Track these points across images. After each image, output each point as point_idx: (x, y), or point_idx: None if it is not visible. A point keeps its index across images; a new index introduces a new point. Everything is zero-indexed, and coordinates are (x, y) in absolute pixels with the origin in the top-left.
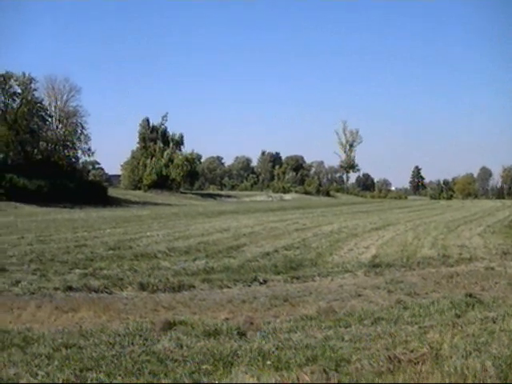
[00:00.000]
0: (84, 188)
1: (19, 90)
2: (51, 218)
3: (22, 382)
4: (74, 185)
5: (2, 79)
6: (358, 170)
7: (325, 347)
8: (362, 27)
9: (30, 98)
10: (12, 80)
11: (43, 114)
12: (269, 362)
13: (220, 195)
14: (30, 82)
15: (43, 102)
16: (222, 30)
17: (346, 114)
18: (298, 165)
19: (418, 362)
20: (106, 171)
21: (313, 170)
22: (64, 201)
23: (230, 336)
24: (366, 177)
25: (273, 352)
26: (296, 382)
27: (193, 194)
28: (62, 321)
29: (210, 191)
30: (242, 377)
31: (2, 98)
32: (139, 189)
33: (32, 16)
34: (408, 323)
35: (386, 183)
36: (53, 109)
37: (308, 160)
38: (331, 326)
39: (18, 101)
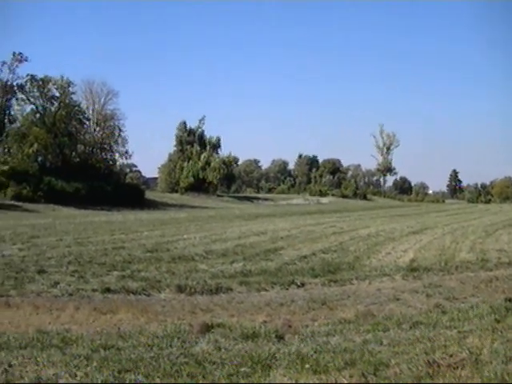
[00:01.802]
0: (121, 191)
1: (57, 94)
2: (89, 220)
3: (61, 382)
4: (111, 187)
5: (41, 83)
6: (395, 173)
7: (363, 351)
8: (398, 29)
9: (68, 101)
10: (50, 84)
11: (81, 117)
12: (307, 366)
13: (257, 198)
14: (68, 86)
15: (81, 106)
16: (260, 30)
17: (383, 116)
18: (334, 168)
19: (458, 367)
20: (143, 174)
21: (350, 173)
22: (101, 203)
23: (268, 339)
24: (403, 180)
25: (311, 355)
26: None
27: (229, 196)
28: (101, 322)
29: (247, 194)
30: (280, 380)
31: (41, 101)
32: (176, 192)
33: (70, 20)
34: (447, 328)
35: (424, 187)
36: (90, 112)
37: (345, 163)
38: (369, 330)
39: (56, 104)
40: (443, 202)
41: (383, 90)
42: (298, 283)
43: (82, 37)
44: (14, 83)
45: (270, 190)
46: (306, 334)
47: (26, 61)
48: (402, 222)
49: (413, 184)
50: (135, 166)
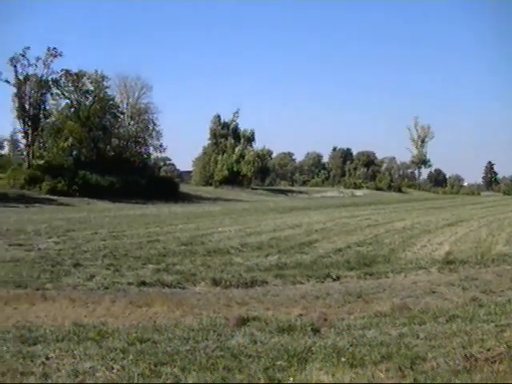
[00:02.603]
0: (155, 184)
1: (92, 88)
2: (123, 213)
3: (98, 374)
4: (145, 181)
5: (76, 77)
6: (430, 165)
7: (400, 344)
8: (432, 19)
9: (102, 95)
10: (85, 78)
11: (115, 111)
12: (343, 359)
13: (291, 191)
14: (103, 80)
15: (115, 100)
16: (294, 26)
17: (418, 109)
18: (369, 160)
19: (495, 361)
20: (178, 167)
21: (384, 165)
22: (136, 197)
23: (304, 332)
24: (438, 172)
25: (347, 349)
26: (371, 379)
27: (263, 189)
28: (136, 315)
29: (281, 187)
30: (316, 373)
31: (76, 95)
32: (210, 185)
33: (103, 15)
34: (484, 321)
35: (459, 179)
36: (125, 106)
37: (379, 156)
38: (405, 323)
39: (90, 98)
40: (478, 194)
41: (418, 81)
42: (334, 276)
43: (116, 31)
44: (49, 78)
45: (304, 183)
46: (342, 327)
47: (61, 56)
48: (437, 214)
49: (448, 176)
50: (169, 160)
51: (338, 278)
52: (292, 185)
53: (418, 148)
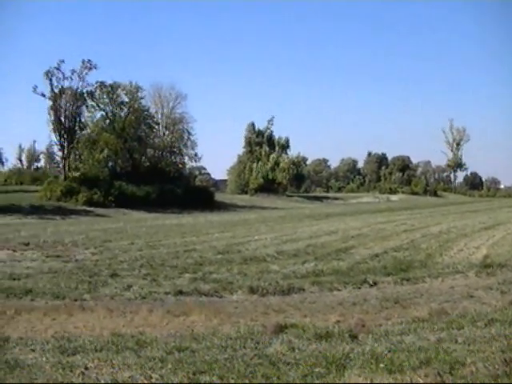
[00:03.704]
0: (191, 193)
1: (126, 99)
2: (160, 223)
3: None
4: (181, 190)
5: (110, 89)
6: (466, 168)
7: (438, 350)
8: (465, 25)
9: (137, 106)
10: (119, 89)
11: (150, 121)
12: (382, 365)
13: (326, 197)
14: (137, 91)
15: (150, 110)
16: (326, 29)
17: (453, 111)
18: (404, 165)
19: None
20: (213, 176)
21: (419, 169)
22: (171, 206)
23: (342, 339)
24: (474, 175)
25: (385, 355)
26: None
27: (299, 196)
28: (174, 324)
29: (317, 194)
30: (355, 380)
31: (111, 107)
32: (246, 193)
33: (138, 25)
34: None
35: (495, 182)
36: (159, 116)
37: (414, 160)
38: (443, 328)
39: (125, 109)
40: None
41: (452, 84)
42: (371, 282)
43: (150, 42)
44: (84, 90)
45: (339, 189)
46: (380, 333)
47: (96, 68)
48: (474, 217)
49: (484, 179)
50: (204, 169)
51: (375, 283)
52: (327, 191)
53: (453, 151)
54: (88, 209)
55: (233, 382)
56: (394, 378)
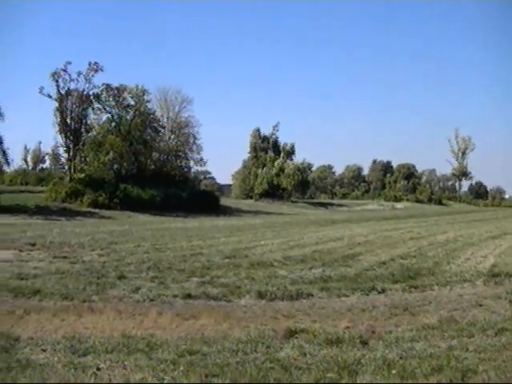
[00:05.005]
0: (196, 197)
1: (132, 102)
2: (165, 226)
3: None
4: (186, 194)
5: (116, 92)
6: (471, 177)
7: (449, 357)
8: (470, 34)
9: (142, 109)
10: (126, 92)
11: (156, 125)
12: (394, 372)
13: (331, 204)
14: (143, 94)
15: (156, 114)
16: (334, 42)
17: (459, 120)
18: (409, 173)
19: None
20: (218, 181)
21: (424, 178)
22: (176, 210)
23: (353, 344)
24: (479, 185)
25: (397, 361)
26: None
27: (304, 202)
28: (184, 327)
29: (321, 200)
30: None
31: (117, 110)
32: (250, 198)
33: (144, 31)
34: None
35: (500, 191)
36: (165, 120)
37: (419, 168)
38: (454, 336)
39: (131, 112)
40: None
41: (457, 93)
42: (379, 289)
43: (156, 46)
44: (90, 92)
45: (344, 196)
46: (390, 339)
47: (102, 70)
48: (480, 227)
49: (489, 189)
50: (209, 173)
51: (383, 290)
52: (332, 198)
53: (458, 160)
54: (93, 211)
55: None
56: None
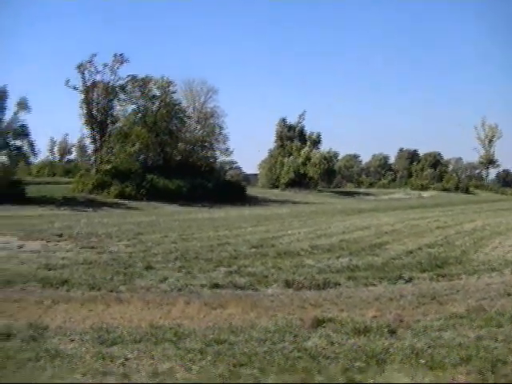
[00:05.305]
0: (222, 187)
1: (158, 93)
2: (192, 217)
3: (177, 375)
4: (212, 184)
5: (142, 83)
6: (498, 165)
7: (478, 347)
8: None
9: (168, 100)
10: (151, 83)
11: (182, 115)
12: (422, 361)
13: (358, 193)
14: (169, 85)
15: (181, 104)
16: (361, 30)
17: (485, 108)
18: (435, 161)
19: None
20: (243, 170)
21: (451, 166)
22: (203, 200)
23: (381, 334)
24: (507, 173)
25: (425, 350)
26: (451, 381)
27: (330, 192)
28: (211, 317)
29: (348, 189)
30: (395, 375)
31: (142, 101)
32: (276, 187)
33: (169, 19)
34: None
35: None
36: (191, 110)
37: (446, 156)
38: (482, 326)
39: (157, 103)
40: None
41: (484, 80)
42: (406, 278)
43: (180, 36)
44: (116, 84)
45: (370, 185)
46: (418, 328)
47: (127, 62)
48: (507, 215)
49: None
50: (235, 163)
51: (411, 279)
52: (358, 187)
53: (485, 148)
54: (120, 202)
55: (273, 375)
56: (434, 375)
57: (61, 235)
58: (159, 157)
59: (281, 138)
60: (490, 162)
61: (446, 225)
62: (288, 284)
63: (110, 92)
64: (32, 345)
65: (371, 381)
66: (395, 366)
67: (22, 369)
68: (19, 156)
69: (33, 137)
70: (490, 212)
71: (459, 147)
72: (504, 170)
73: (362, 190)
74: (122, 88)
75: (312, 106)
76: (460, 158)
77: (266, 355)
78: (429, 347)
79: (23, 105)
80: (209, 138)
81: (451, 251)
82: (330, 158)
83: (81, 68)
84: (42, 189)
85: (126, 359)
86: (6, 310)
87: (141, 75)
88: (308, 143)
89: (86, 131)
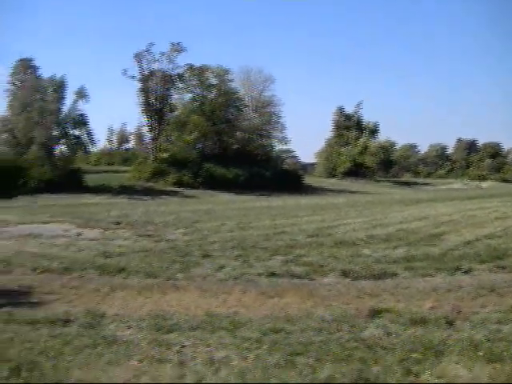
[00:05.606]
0: (279, 176)
1: (215, 82)
2: (249, 205)
3: (232, 364)
4: (269, 173)
5: (199, 71)
6: None
7: None
8: None
9: (225, 89)
10: (208, 72)
11: (239, 104)
12: (481, 353)
13: (415, 183)
14: (226, 74)
15: (238, 93)
16: (422, 19)
17: None
18: (494, 152)
19: None
20: (301, 159)
21: (510, 157)
22: (259, 189)
23: (438, 325)
24: None
25: (484, 343)
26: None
27: (388, 181)
28: (268, 306)
29: (405, 179)
30: (453, 367)
31: (199, 89)
32: (333, 176)
33: (227, 11)
34: None
35: None
36: (248, 99)
37: (506, 147)
38: None
39: (214, 92)
40: None
41: None
42: (464, 269)
43: (239, 25)
44: (173, 73)
45: (428, 175)
46: (477, 320)
47: (185, 51)
48: None
49: None
50: (292, 152)
51: (469, 270)
52: (415, 177)
53: None
54: (176, 190)
55: (329, 365)
56: (493, 368)
57: (118, 223)
58: (216, 145)
59: (338, 127)
60: None
61: (504, 215)
62: (344, 273)
63: (168, 81)
64: (89, 331)
65: (427, 372)
66: (453, 358)
67: (79, 354)
68: (78, 145)
69: (91, 126)
70: None
71: None
72: None
73: (419, 180)
74: (180, 77)
75: (369, 95)
76: None
77: (323, 344)
78: (487, 340)
79: (81, 94)
80: (266, 127)
81: (511, 242)
82: (388, 147)
83: (138, 57)
84: (100, 177)
85: (183, 346)
86: (65, 297)
87: (198, 64)
88: (365, 132)
89: (144, 120)
